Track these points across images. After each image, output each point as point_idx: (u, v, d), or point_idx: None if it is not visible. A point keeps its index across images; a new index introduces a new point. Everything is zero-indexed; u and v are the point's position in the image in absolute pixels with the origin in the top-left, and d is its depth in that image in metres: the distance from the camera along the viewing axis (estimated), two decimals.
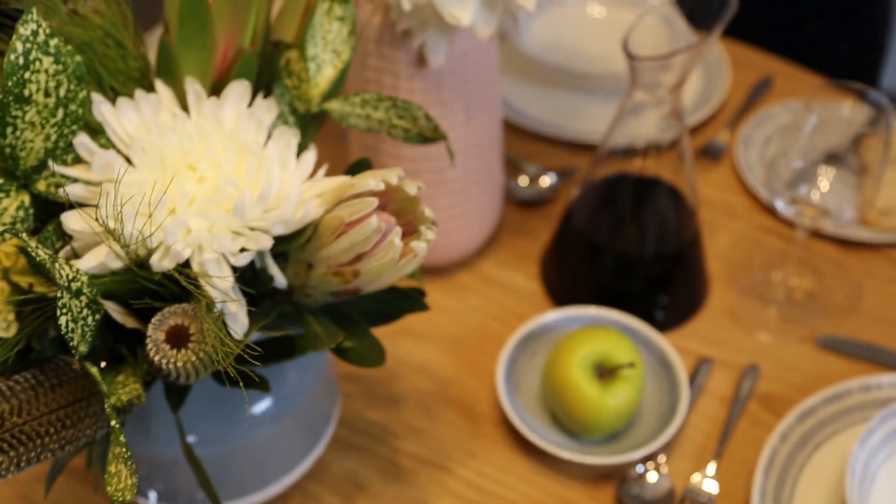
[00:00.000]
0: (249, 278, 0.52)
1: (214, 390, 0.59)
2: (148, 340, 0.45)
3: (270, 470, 0.63)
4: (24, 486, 0.70)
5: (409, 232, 0.52)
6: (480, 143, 0.76)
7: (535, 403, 0.74)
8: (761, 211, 0.92)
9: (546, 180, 0.92)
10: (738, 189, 0.94)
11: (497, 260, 0.86)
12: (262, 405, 0.60)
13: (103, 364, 0.50)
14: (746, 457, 0.71)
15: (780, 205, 0.74)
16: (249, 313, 0.50)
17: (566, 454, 0.68)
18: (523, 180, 0.92)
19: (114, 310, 0.47)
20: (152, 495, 0.63)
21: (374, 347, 0.52)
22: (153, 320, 0.45)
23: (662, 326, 0.78)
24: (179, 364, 0.45)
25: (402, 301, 0.56)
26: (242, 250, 0.48)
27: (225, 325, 0.48)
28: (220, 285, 0.46)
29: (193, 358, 0.45)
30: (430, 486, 0.70)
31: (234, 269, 0.49)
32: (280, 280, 0.51)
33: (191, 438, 0.59)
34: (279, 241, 0.50)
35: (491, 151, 0.79)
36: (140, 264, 0.48)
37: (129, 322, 0.48)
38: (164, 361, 0.45)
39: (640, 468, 0.70)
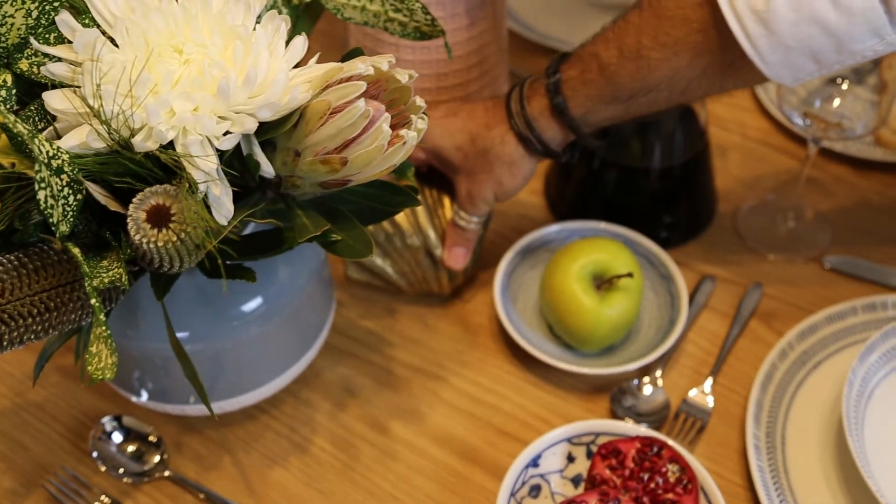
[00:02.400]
0: (238, 170, 0.51)
1: (205, 287, 0.59)
2: (129, 219, 0.44)
3: (261, 371, 0.63)
4: (20, 384, 0.70)
5: (401, 123, 0.50)
6: (483, 51, 0.74)
7: (532, 316, 0.73)
8: (774, 130, 0.89)
9: None
10: (751, 108, 0.92)
11: None
12: (252, 303, 0.60)
13: (87, 250, 0.49)
14: (745, 373, 0.70)
15: (793, 116, 0.72)
16: (236, 202, 0.49)
17: (561, 364, 0.67)
18: None
19: (96, 191, 0.46)
20: (144, 394, 0.63)
21: (362, 239, 0.51)
22: (134, 199, 0.44)
23: (666, 244, 0.77)
24: (160, 244, 0.44)
25: (393, 196, 0.55)
26: (227, 134, 0.47)
27: (209, 210, 0.47)
28: (204, 166, 0.45)
29: (174, 238, 0.44)
30: (423, 394, 0.69)
31: (221, 154, 0.48)
32: (267, 168, 0.50)
33: (181, 334, 0.58)
34: (266, 127, 0.49)
35: (495, 61, 0.76)
36: (124, 146, 0.47)
37: (112, 205, 0.47)
38: (144, 241, 0.44)
39: (635, 381, 0.69)
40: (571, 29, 0.97)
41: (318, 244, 0.54)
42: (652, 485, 0.59)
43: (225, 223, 0.48)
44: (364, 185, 0.55)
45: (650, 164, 0.77)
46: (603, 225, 0.75)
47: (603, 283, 0.67)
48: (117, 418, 0.65)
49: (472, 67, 0.74)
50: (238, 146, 0.50)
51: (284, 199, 0.54)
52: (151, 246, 0.44)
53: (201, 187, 0.46)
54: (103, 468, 0.64)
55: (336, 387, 0.70)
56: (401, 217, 0.71)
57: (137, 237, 0.44)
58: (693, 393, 0.68)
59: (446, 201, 0.72)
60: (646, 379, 0.69)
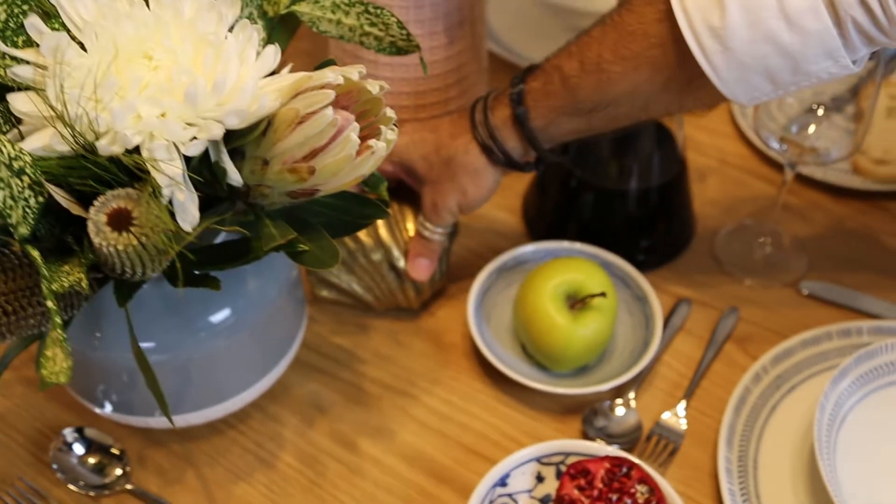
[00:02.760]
0: (207, 179, 0.51)
1: (172, 297, 0.58)
2: (89, 222, 0.43)
3: (228, 384, 0.62)
4: None
5: (372, 135, 0.50)
6: (462, 70, 0.74)
7: (505, 335, 0.72)
8: (753, 156, 0.89)
9: None
10: (731, 135, 0.92)
11: None
12: (220, 314, 0.59)
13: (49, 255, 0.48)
14: (718, 397, 0.69)
15: (769, 140, 0.72)
16: (204, 210, 0.48)
17: (533, 383, 0.66)
18: None
19: (58, 194, 0.45)
20: (108, 406, 0.62)
21: (329, 249, 0.50)
22: (95, 202, 0.44)
23: (643, 266, 0.76)
24: (120, 247, 0.43)
25: (362, 208, 0.54)
26: (193, 140, 0.47)
27: (174, 216, 0.47)
28: (169, 171, 0.45)
29: (135, 242, 0.43)
30: (392, 412, 0.68)
31: (188, 161, 0.48)
32: (234, 176, 0.49)
33: (146, 344, 0.57)
34: (234, 135, 0.48)
35: (474, 80, 0.77)
36: (88, 149, 0.46)
37: (75, 209, 0.46)
38: (104, 244, 0.43)
39: (608, 403, 0.68)
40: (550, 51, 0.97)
41: (286, 255, 0.54)
42: None
43: (189, 230, 0.47)
44: (333, 196, 0.55)
45: (627, 186, 0.77)
46: (579, 245, 0.74)
47: (577, 302, 0.67)
48: (79, 430, 0.64)
49: (451, 86, 0.74)
50: (207, 154, 0.49)
51: (253, 208, 0.53)
52: (112, 249, 0.44)
53: (165, 192, 0.45)
54: (63, 480, 0.63)
55: (305, 402, 0.69)
56: (362, 233, 0.71)
57: (98, 240, 0.43)
58: (666, 415, 0.68)
59: (409, 214, 0.72)
60: (618, 400, 0.68)
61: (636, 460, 0.60)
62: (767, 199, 0.85)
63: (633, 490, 0.58)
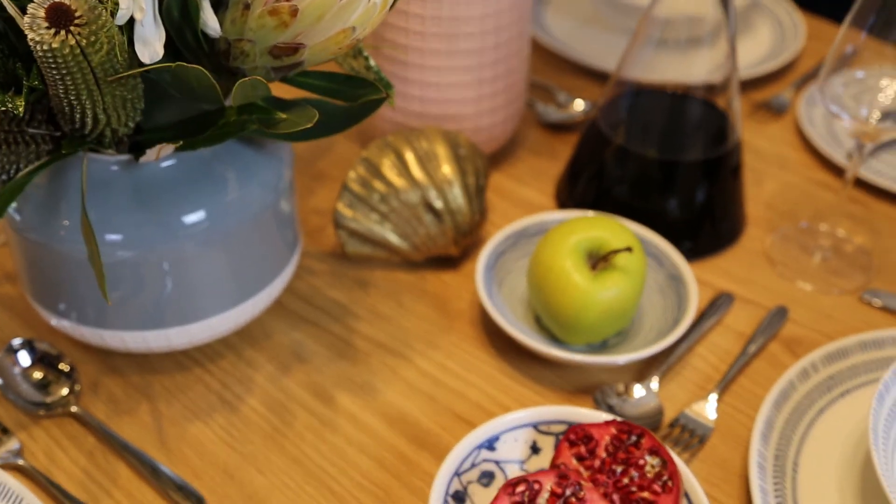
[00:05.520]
0: (175, 24, 0.45)
1: (143, 189, 0.52)
2: (26, 17, 0.38)
3: (197, 304, 0.55)
4: None
5: None
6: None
7: (518, 305, 0.64)
8: (816, 166, 0.81)
9: (578, 104, 0.84)
10: (795, 144, 0.84)
11: (512, 175, 0.78)
12: (193, 216, 0.53)
13: None
14: (757, 395, 0.60)
15: (838, 112, 0.64)
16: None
17: (539, 346, 0.58)
18: (554, 105, 0.84)
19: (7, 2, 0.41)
20: (63, 312, 0.55)
21: (305, 113, 0.44)
22: None
23: (683, 254, 0.68)
24: (56, 45, 0.38)
25: (357, 90, 0.48)
26: None
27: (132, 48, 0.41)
28: None
29: (72, 42, 0.38)
30: (380, 369, 0.60)
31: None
32: (213, 24, 0.44)
33: (112, 237, 0.51)
34: None
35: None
36: None
37: (21, 19, 0.41)
38: (39, 45, 0.38)
39: (625, 384, 0.59)
40: (607, 50, 0.91)
41: (264, 133, 0.48)
42: (625, 479, 0.49)
43: (147, 62, 0.42)
44: (323, 77, 0.50)
45: (672, 157, 0.69)
46: (606, 215, 0.66)
47: (599, 261, 0.59)
48: (29, 341, 0.58)
49: (499, 77, 0.70)
50: (187, 7, 0.45)
51: (234, 76, 0.48)
52: (48, 53, 0.38)
53: (123, 13, 0.40)
54: (4, 394, 0.56)
55: (285, 350, 0.61)
56: (392, 174, 0.65)
57: (31, 36, 0.38)
58: (694, 406, 0.58)
59: (439, 150, 0.65)
60: (638, 385, 0.59)
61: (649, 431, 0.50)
62: (828, 205, 0.76)
63: (641, 461, 0.49)
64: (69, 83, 0.40)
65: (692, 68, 0.68)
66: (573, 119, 0.83)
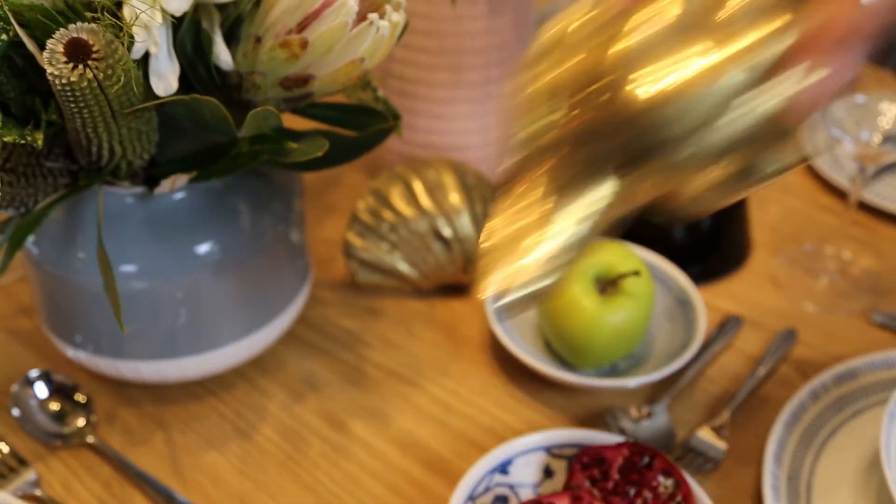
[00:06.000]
0: (189, 58, 0.46)
1: (157, 219, 0.53)
2: (45, 52, 0.39)
3: (210, 334, 0.56)
4: None
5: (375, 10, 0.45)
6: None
7: (527, 331, 0.65)
8: (819, 189, 0.82)
9: None
10: (798, 169, 0.85)
11: None
12: (205, 245, 0.54)
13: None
14: (768, 416, 0.60)
15: (841, 137, 0.65)
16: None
17: (550, 370, 0.58)
18: None
19: (24, 35, 0.42)
20: (80, 343, 0.56)
21: (315, 142, 0.45)
22: (55, 35, 0.40)
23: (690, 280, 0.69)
24: (74, 79, 0.39)
25: (365, 119, 0.50)
26: None
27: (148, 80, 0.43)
28: (145, 19, 0.41)
29: (90, 76, 0.39)
30: (392, 398, 0.61)
31: (175, 30, 0.44)
32: (225, 58, 0.46)
33: (126, 268, 0.52)
34: (225, 7, 0.45)
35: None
36: None
37: (39, 55, 0.43)
38: (58, 79, 0.39)
39: (636, 408, 0.59)
40: None
41: (276, 168, 0.49)
42: (639, 501, 0.49)
43: (162, 94, 0.43)
44: (331, 108, 0.51)
45: None
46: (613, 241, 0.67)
47: (607, 285, 0.59)
48: (46, 372, 0.59)
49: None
50: (197, 39, 0.46)
51: (246, 108, 0.49)
52: (66, 87, 0.39)
53: (139, 47, 0.42)
54: (21, 425, 0.56)
55: (297, 379, 0.62)
56: (401, 203, 0.66)
57: (51, 70, 0.39)
58: (705, 428, 0.58)
59: (447, 180, 0.66)
60: (647, 408, 0.60)
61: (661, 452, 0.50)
62: (832, 228, 0.76)
63: (655, 483, 0.49)
64: (86, 116, 0.41)
65: None
66: None
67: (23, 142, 0.41)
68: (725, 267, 0.72)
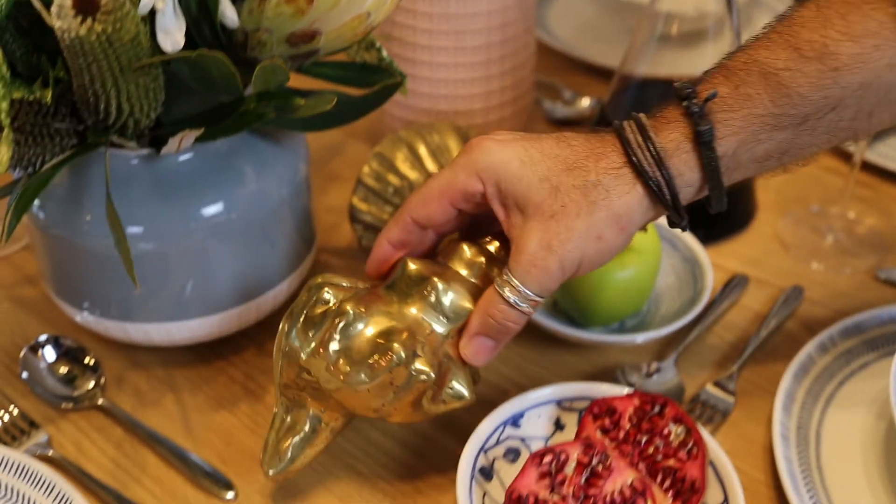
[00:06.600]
0: (193, 16, 0.46)
1: (164, 181, 0.53)
2: (53, 6, 0.39)
3: (217, 295, 0.56)
4: None
5: None
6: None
7: None
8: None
9: (584, 101, 0.85)
10: None
11: None
12: (212, 208, 0.53)
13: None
14: (776, 371, 0.60)
15: None
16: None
17: (557, 326, 0.58)
18: (560, 102, 0.86)
19: None
20: (87, 308, 0.56)
21: (323, 98, 0.45)
22: None
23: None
24: (83, 33, 0.39)
25: (371, 76, 0.50)
26: None
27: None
28: None
29: (98, 29, 0.39)
30: None
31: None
32: (231, 15, 0.46)
33: (134, 229, 0.52)
34: None
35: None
36: None
37: (46, 13, 0.43)
38: (66, 32, 0.39)
39: (645, 363, 0.60)
40: (611, 47, 0.92)
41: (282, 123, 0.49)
42: (650, 449, 0.49)
43: (170, 50, 0.43)
44: (338, 67, 0.51)
45: None
46: None
47: None
48: (55, 337, 0.59)
49: (506, 73, 0.72)
50: (205, 4, 0.46)
51: (252, 67, 0.49)
52: (73, 36, 0.39)
53: (145, 3, 0.41)
54: (31, 388, 0.57)
55: None
56: (406, 167, 0.66)
57: (59, 24, 0.39)
58: (714, 382, 0.59)
59: (451, 143, 0.66)
60: (657, 363, 0.60)
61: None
62: (837, 189, 0.76)
63: (666, 431, 0.49)
64: (94, 71, 0.41)
65: (698, 62, 0.69)
66: (580, 115, 0.84)
67: (31, 98, 0.41)
68: (730, 228, 0.72)
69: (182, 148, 0.52)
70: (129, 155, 0.52)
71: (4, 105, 0.38)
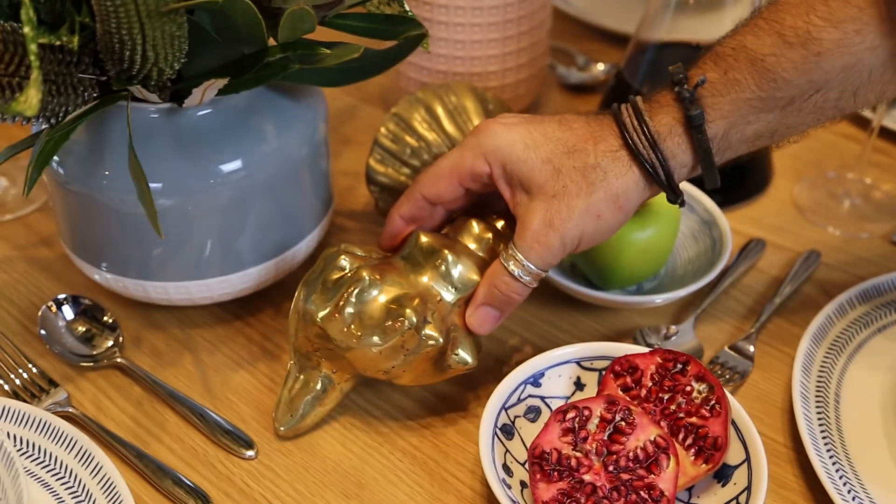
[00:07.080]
0: None
1: (183, 136, 0.53)
2: None
3: (239, 254, 0.56)
4: None
5: None
6: (534, 16, 0.70)
7: None
8: None
9: (598, 66, 0.85)
10: None
11: None
12: (231, 164, 0.53)
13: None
14: (794, 333, 0.60)
15: None
16: None
17: (575, 286, 0.58)
18: (574, 67, 0.85)
19: None
20: (105, 266, 0.56)
21: (348, 47, 0.45)
22: None
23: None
24: None
25: (397, 27, 0.49)
26: None
27: None
28: None
29: None
30: None
31: None
32: None
33: (153, 185, 0.52)
34: None
35: (541, 29, 0.72)
36: None
37: None
38: None
39: (664, 326, 0.60)
40: (628, 14, 0.92)
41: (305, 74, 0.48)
42: (672, 406, 0.49)
43: None
44: (364, 19, 0.50)
45: None
46: None
47: None
48: (73, 296, 0.58)
49: (523, 34, 0.71)
50: None
51: (275, 17, 0.48)
52: None
53: None
54: (50, 348, 0.56)
55: None
56: (423, 128, 0.65)
57: None
58: (732, 344, 0.59)
59: (468, 104, 0.65)
60: (675, 327, 0.60)
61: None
62: (853, 155, 0.76)
63: (688, 388, 0.49)
64: (122, 15, 0.41)
65: (716, 27, 0.69)
66: (595, 80, 0.83)
67: (58, 43, 0.40)
68: (747, 194, 0.72)
69: (205, 100, 0.51)
70: (148, 109, 0.52)
71: (33, 47, 0.38)
